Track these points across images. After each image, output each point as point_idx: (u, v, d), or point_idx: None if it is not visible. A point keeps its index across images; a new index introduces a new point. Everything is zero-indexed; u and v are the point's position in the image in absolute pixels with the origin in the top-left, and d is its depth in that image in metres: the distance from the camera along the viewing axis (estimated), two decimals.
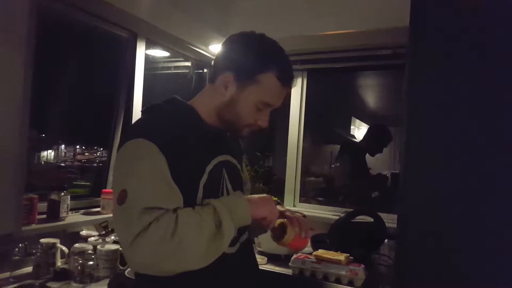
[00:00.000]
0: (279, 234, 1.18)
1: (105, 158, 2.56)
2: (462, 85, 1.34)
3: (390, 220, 2.12)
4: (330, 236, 2.08)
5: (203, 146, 1.12)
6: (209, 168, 1.10)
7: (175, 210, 0.97)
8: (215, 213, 0.97)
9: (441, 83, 1.37)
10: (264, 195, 1.14)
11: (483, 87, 1.30)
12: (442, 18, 1.37)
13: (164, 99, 1.18)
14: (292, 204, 2.84)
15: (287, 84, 1.15)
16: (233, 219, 0.99)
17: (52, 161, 2.61)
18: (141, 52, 2.46)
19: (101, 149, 2.91)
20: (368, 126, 3.51)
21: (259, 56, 1.11)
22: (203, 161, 1.10)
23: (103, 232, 1.95)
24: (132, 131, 1.08)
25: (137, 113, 2.46)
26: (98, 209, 2.16)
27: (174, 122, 1.09)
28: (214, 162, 1.13)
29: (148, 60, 2.58)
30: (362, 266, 1.75)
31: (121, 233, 0.97)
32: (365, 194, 3.00)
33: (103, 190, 2.20)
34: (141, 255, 0.91)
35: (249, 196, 1.12)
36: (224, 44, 1.17)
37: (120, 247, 0.99)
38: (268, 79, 1.10)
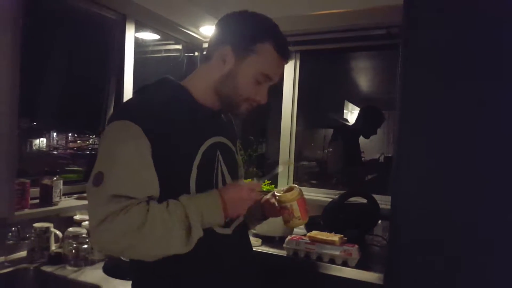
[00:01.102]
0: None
1: (97, 145, 2.55)
2: (457, 67, 1.34)
3: (383, 201, 2.15)
4: (324, 218, 2.11)
5: (196, 127, 1.12)
6: (202, 148, 1.10)
7: (148, 201, 0.98)
8: (186, 218, 0.97)
9: (436, 64, 1.37)
10: (243, 185, 1.11)
11: (480, 68, 1.31)
12: None
13: (156, 79, 1.18)
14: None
15: (284, 56, 1.16)
16: (203, 224, 1.00)
17: (44, 149, 2.60)
18: (131, 35, 2.44)
19: (93, 136, 2.90)
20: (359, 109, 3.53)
21: (256, 27, 1.13)
22: (196, 142, 1.10)
23: None
24: (119, 112, 1.08)
25: (128, 98, 2.45)
26: None
27: (166, 102, 1.08)
28: (208, 143, 1.12)
29: (138, 43, 2.56)
30: (356, 246, 1.78)
31: (89, 215, 0.98)
32: (358, 177, 3.03)
33: None
34: (104, 241, 0.94)
35: (227, 190, 1.08)
36: (219, 23, 1.17)
37: (89, 225, 1.01)
38: (266, 49, 1.11)
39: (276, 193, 1.28)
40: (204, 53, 1.22)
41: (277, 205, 1.27)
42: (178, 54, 3.04)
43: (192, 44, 3.00)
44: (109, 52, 2.45)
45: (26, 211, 1.76)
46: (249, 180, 2.73)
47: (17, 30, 1.63)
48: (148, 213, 0.94)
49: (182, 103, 1.12)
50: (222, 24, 1.16)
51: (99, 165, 0.99)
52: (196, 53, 3.08)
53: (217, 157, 1.15)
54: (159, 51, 3.04)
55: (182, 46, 3.01)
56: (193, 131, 1.10)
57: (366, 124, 3.09)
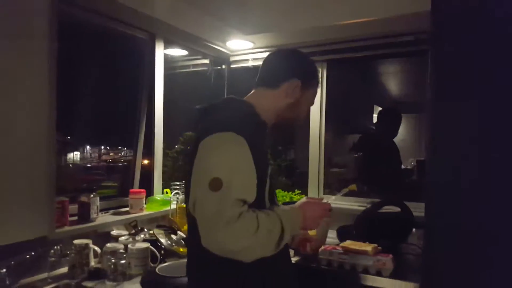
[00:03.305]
0: None
1: (130, 157, 2.63)
2: (488, 68, 1.32)
3: (417, 208, 2.11)
4: (357, 227, 2.09)
5: (264, 141, 1.29)
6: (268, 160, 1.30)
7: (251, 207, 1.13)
8: (281, 225, 1.15)
9: (466, 67, 1.35)
10: (319, 204, 1.35)
11: None
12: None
13: (223, 99, 1.36)
14: (317, 196, 2.85)
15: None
16: (291, 233, 1.19)
17: (78, 163, 2.69)
18: (160, 52, 2.52)
19: (125, 148, 2.99)
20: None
21: (313, 67, 1.46)
22: (266, 154, 1.31)
23: (133, 231, 2.01)
24: (217, 125, 1.18)
25: (159, 112, 2.52)
26: (127, 208, 2.25)
27: (247, 119, 1.24)
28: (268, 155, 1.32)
29: (167, 59, 2.63)
30: (390, 256, 1.75)
31: (210, 217, 1.07)
32: (391, 184, 2.95)
33: (131, 190, 2.28)
34: (227, 241, 1.06)
35: (308, 207, 1.30)
36: (281, 56, 1.44)
37: (204, 228, 1.10)
38: (315, 84, 1.45)
39: None
40: (263, 76, 1.43)
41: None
42: (206, 68, 3.10)
43: (220, 58, 3.06)
44: (140, 69, 2.53)
45: (66, 228, 1.83)
46: (279, 190, 2.74)
47: (53, 49, 1.72)
48: (258, 219, 1.10)
49: (256, 121, 1.29)
50: (287, 59, 1.42)
51: (213, 172, 1.09)
52: (224, 66, 3.13)
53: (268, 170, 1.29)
54: (187, 66, 3.12)
55: (210, 61, 3.07)
56: (264, 145, 1.27)
57: (384, 126, 3.02)
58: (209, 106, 1.32)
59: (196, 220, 1.12)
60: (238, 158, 1.13)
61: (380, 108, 4.51)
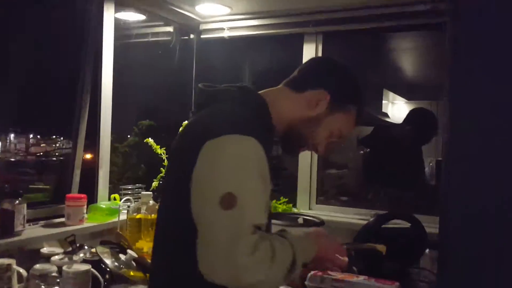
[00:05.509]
0: None
1: (67, 151, 2.61)
2: None
3: (432, 223, 2.16)
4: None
5: (271, 153, 1.30)
6: None
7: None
8: (293, 253, 1.19)
9: (491, 44, 1.37)
10: (334, 244, 1.42)
11: None
12: None
13: (237, 86, 1.35)
14: (308, 206, 2.88)
15: (359, 123, 1.46)
16: (303, 261, 1.24)
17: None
18: (110, 15, 2.50)
19: (61, 138, 2.95)
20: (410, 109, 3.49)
21: (355, 88, 1.44)
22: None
23: (70, 248, 2.00)
24: (232, 124, 1.19)
25: (107, 93, 2.50)
26: (62, 219, 2.23)
27: (261, 119, 1.29)
28: None
29: (119, 25, 2.62)
30: (397, 284, 1.79)
31: (222, 241, 1.08)
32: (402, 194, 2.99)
33: (68, 195, 2.26)
34: (249, 275, 1.08)
35: (319, 239, 1.36)
36: (322, 63, 1.52)
37: (212, 252, 1.10)
38: (352, 111, 1.42)
39: None
40: (294, 75, 1.46)
41: None
42: (169, 38, 3.09)
43: (187, 26, 3.06)
44: (83, 37, 2.50)
45: None
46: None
47: None
48: (272, 244, 1.14)
49: (266, 123, 1.32)
50: (325, 65, 1.49)
51: (226, 185, 1.11)
52: (192, 36, 3.13)
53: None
54: (145, 35, 3.10)
55: (174, 29, 3.06)
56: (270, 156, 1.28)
57: (421, 129, 3.06)
58: (219, 89, 1.35)
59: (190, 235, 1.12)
60: (256, 172, 1.15)
61: (391, 93, 4.57)
